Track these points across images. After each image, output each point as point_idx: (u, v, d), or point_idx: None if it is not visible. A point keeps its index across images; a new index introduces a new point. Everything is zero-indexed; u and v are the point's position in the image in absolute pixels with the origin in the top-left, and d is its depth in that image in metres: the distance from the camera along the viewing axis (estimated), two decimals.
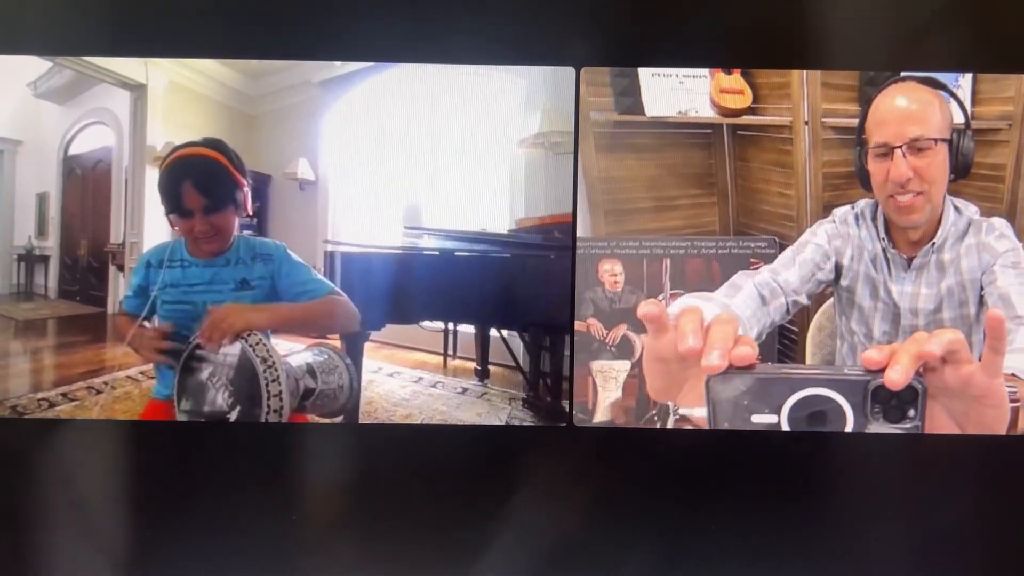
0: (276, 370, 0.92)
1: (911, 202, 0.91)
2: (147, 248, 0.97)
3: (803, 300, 0.96)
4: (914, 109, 0.91)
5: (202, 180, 0.94)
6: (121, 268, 0.97)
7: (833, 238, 0.96)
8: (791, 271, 0.95)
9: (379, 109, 0.95)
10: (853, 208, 0.96)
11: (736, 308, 0.92)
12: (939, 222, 0.93)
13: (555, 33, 0.93)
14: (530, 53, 0.93)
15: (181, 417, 0.94)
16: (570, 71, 0.93)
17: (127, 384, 0.96)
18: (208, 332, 0.93)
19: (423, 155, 0.95)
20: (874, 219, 0.95)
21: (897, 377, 0.58)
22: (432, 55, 0.93)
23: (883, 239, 0.94)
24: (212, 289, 0.95)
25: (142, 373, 0.96)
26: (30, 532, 0.93)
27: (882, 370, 0.59)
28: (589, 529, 0.93)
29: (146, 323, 0.96)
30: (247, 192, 0.96)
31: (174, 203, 0.95)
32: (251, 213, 0.97)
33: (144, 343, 0.95)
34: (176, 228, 0.96)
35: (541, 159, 0.95)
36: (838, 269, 0.96)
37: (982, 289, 0.92)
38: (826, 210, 0.96)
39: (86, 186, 0.99)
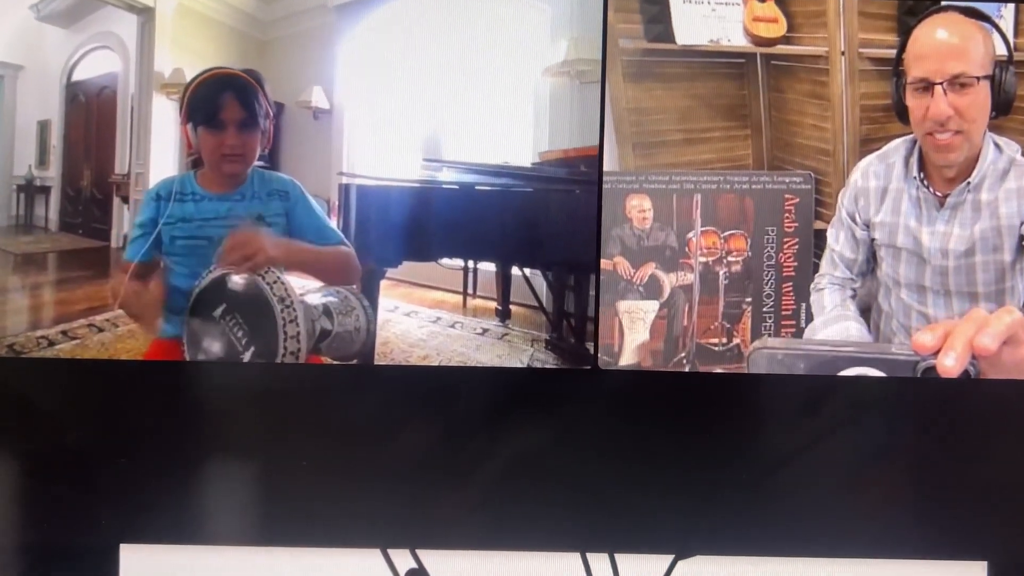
0: (294, 310, 0.90)
1: (950, 141, 0.89)
2: (152, 181, 0.94)
3: (857, 282, 0.96)
4: (956, 43, 0.89)
5: (243, 94, 0.92)
6: (126, 200, 0.95)
7: (855, 200, 0.94)
8: (836, 269, 0.95)
9: (398, 35, 0.93)
10: (879, 152, 0.94)
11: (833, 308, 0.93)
12: (977, 160, 0.91)
13: None
14: None
15: (190, 357, 0.91)
16: None
17: (131, 322, 0.93)
18: (229, 255, 0.91)
19: (443, 84, 0.93)
20: (908, 156, 0.93)
21: (952, 365, 0.56)
22: None
23: (916, 176, 0.92)
24: (226, 224, 0.93)
25: None
26: (27, 478, 0.90)
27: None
28: (613, 475, 0.91)
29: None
30: (272, 125, 0.94)
31: (209, 113, 0.92)
32: (270, 147, 0.94)
33: (145, 308, 0.93)
34: (191, 151, 0.93)
35: (567, 89, 0.93)
36: (868, 227, 0.94)
37: (1022, 239, 0.90)
38: (863, 144, 0.94)
39: (90, 114, 0.96)
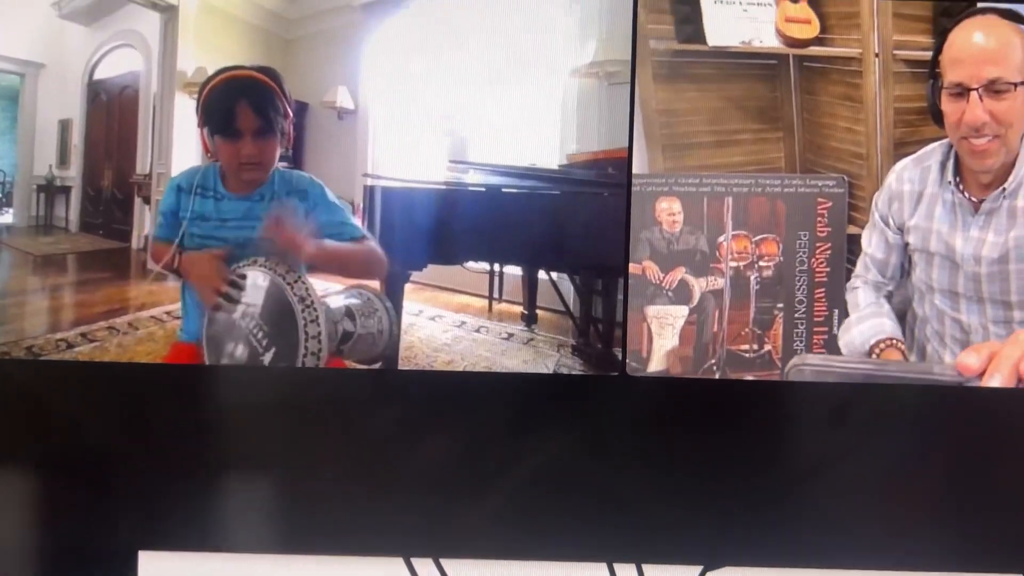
0: (315, 310, 0.89)
1: (986, 146, 0.89)
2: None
3: (890, 285, 0.96)
4: (992, 47, 0.88)
5: (258, 101, 0.91)
6: (147, 200, 0.95)
7: (889, 203, 0.94)
8: (869, 272, 0.95)
9: (424, 34, 0.93)
10: (915, 156, 0.93)
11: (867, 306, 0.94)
12: (1013, 165, 0.90)
13: None
14: None
15: (209, 360, 0.91)
16: None
17: (151, 324, 0.94)
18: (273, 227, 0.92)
19: (470, 84, 0.93)
20: (944, 160, 0.92)
21: (997, 387, 0.55)
22: None
23: (951, 181, 0.91)
24: (245, 225, 0.93)
25: (167, 313, 0.94)
26: (45, 482, 0.90)
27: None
28: (641, 485, 0.90)
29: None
30: (292, 124, 0.94)
31: (224, 122, 0.92)
32: (291, 146, 0.94)
33: (203, 272, 0.92)
34: (210, 154, 0.93)
35: (595, 89, 0.93)
36: (902, 231, 0.94)
37: None
38: (897, 147, 0.94)
39: (112, 113, 0.96)
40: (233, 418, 0.90)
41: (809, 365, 0.64)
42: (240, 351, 0.91)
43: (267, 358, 0.90)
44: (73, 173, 0.96)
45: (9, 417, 0.89)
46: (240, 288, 0.91)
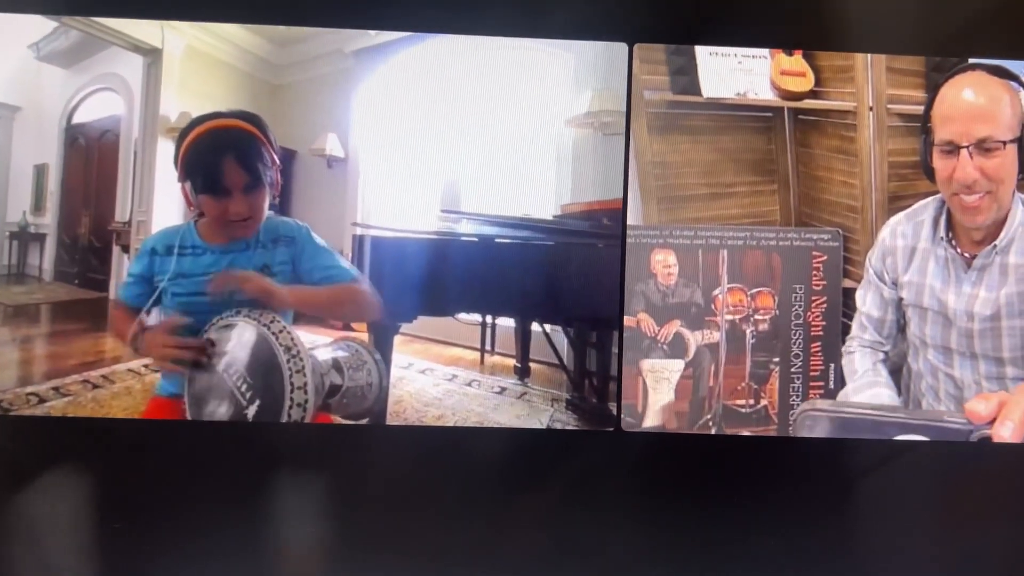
0: (301, 360, 0.87)
1: (977, 203, 0.90)
2: (154, 230, 0.92)
3: (887, 345, 0.96)
4: (982, 105, 0.89)
5: (245, 155, 0.88)
6: (126, 249, 0.93)
7: (883, 258, 0.95)
8: (865, 332, 0.96)
9: (416, 83, 0.93)
10: (908, 211, 0.94)
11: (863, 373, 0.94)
12: (1004, 222, 0.91)
13: (607, 6, 0.92)
14: (580, 27, 0.91)
15: (191, 415, 0.88)
16: (623, 47, 0.92)
17: (128, 378, 0.91)
18: (221, 279, 0.89)
19: (463, 134, 0.93)
20: (937, 216, 0.93)
21: (1008, 435, 0.57)
22: (474, 26, 0.91)
23: (943, 237, 0.92)
24: None
25: (145, 366, 0.91)
26: (15, 544, 0.86)
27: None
28: (637, 543, 0.89)
29: (147, 317, 0.91)
30: (279, 171, 0.92)
31: (210, 180, 0.88)
32: (278, 194, 0.92)
33: (153, 345, 0.90)
34: (194, 209, 0.90)
35: (590, 140, 0.93)
36: (896, 286, 0.95)
37: None
38: (891, 201, 0.95)
39: (90, 158, 0.94)
40: (215, 477, 0.88)
41: (819, 411, 0.64)
42: (223, 404, 0.89)
43: (251, 411, 0.88)
44: (48, 220, 0.94)
45: None
46: (214, 345, 0.89)
